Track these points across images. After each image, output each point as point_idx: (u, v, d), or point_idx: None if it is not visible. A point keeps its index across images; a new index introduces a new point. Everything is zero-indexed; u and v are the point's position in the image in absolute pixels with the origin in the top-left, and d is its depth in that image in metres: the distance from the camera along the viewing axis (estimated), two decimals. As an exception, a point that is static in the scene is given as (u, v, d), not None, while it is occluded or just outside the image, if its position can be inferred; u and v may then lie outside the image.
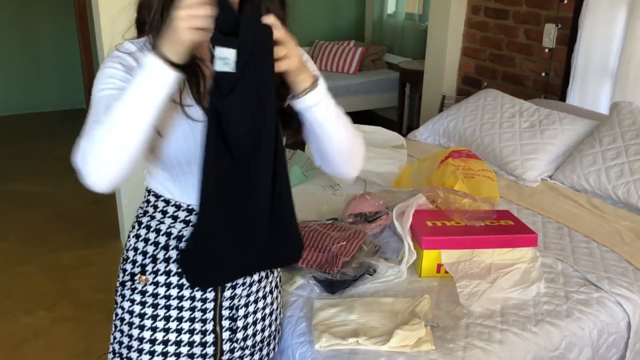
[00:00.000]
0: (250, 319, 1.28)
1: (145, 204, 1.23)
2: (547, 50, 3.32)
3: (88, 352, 2.47)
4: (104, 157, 0.98)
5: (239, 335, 1.26)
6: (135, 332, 1.22)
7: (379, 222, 1.91)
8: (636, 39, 2.77)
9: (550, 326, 1.52)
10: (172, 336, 1.22)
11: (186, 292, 1.20)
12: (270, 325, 1.33)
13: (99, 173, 0.99)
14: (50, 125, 5.55)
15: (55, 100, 5.94)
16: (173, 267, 1.19)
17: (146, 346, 1.22)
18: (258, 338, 1.30)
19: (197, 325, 1.22)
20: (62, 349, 2.49)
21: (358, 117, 5.28)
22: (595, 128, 2.54)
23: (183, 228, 1.19)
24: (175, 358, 1.22)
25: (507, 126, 2.70)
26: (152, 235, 1.20)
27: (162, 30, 0.99)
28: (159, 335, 1.21)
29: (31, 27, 5.63)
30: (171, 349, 1.22)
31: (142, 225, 1.22)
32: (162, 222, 1.19)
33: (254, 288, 1.27)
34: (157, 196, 1.20)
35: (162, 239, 1.19)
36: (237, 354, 1.27)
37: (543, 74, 3.37)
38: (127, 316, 1.23)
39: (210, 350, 1.24)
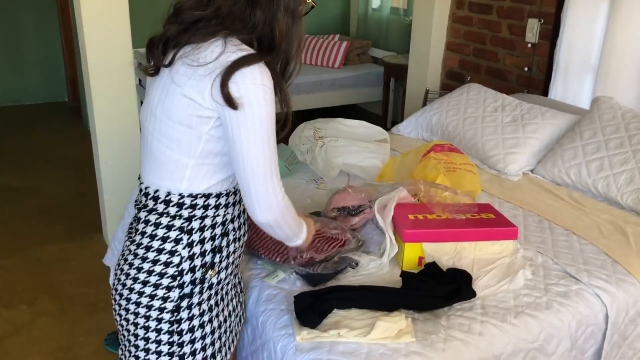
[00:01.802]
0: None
1: (190, 210, 1.24)
2: (530, 45, 3.35)
3: (70, 346, 2.45)
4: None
5: (242, 284, 1.51)
6: (208, 328, 1.31)
7: (362, 216, 1.92)
8: (617, 34, 2.80)
9: (529, 318, 1.54)
10: (226, 311, 1.37)
11: (234, 265, 1.36)
12: None
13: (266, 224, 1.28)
14: (32, 118, 5.48)
15: (37, 93, 5.87)
16: (231, 247, 1.32)
17: (217, 335, 1.33)
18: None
19: (233, 291, 1.41)
20: (44, 343, 2.47)
21: (342, 111, 5.28)
22: (576, 122, 2.56)
23: (235, 209, 1.32)
24: (230, 327, 1.39)
25: (489, 120, 2.72)
26: (208, 233, 1.26)
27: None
28: (221, 317, 1.34)
29: (12, 18, 5.55)
30: (228, 322, 1.38)
31: (194, 231, 1.25)
32: (217, 215, 1.27)
33: None
34: (208, 196, 1.25)
35: (219, 230, 1.29)
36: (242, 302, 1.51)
37: (526, 69, 3.39)
38: (197, 321, 1.29)
39: (239, 307, 1.45)
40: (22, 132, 5.11)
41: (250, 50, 1.17)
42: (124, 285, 1.28)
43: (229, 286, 1.38)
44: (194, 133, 1.18)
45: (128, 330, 1.30)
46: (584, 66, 3.05)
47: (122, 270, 1.29)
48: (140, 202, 1.30)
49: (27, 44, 5.69)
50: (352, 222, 1.89)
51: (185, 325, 1.27)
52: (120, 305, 1.30)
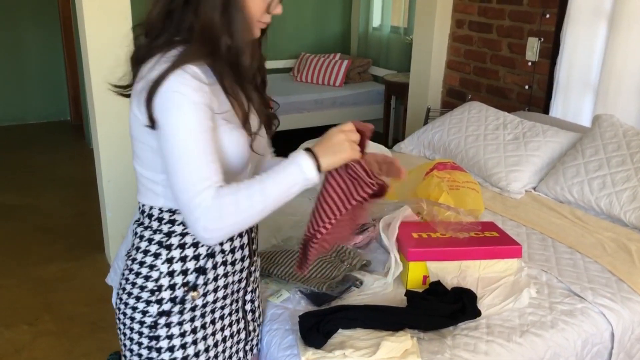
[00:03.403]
0: (259, 299, 1.45)
1: (169, 226, 1.22)
2: (530, 64, 3.37)
3: (71, 366, 2.44)
4: (237, 228, 1.12)
5: (257, 314, 1.43)
6: (191, 351, 1.26)
7: (366, 234, 1.92)
8: (616, 52, 2.82)
9: (535, 337, 1.53)
10: (219, 336, 1.31)
11: (229, 290, 1.29)
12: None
13: (222, 236, 1.12)
14: (34, 137, 5.50)
15: (39, 112, 5.89)
16: (220, 270, 1.26)
17: (203, 357, 1.28)
18: (261, 316, 1.48)
19: (234, 316, 1.35)
20: (45, 363, 2.46)
21: (344, 129, 5.25)
22: (578, 140, 2.57)
23: None
24: (224, 353, 1.33)
25: (491, 138, 2.73)
26: (189, 251, 1.22)
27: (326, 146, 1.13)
28: (210, 341, 1.29)
29: (14, 37, 5.59)
30: (220, 347, 1.32)
31: (174, 247, 1.22)
32: None
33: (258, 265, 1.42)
34: None
35: (203, 250, 1.23)
36: (256, 333, 1.44)
37: (526, 87, 3.41)
38: (177, 341, 1.25)
39: (242, 335, 1.38)
40: (24, 151, 5.12)
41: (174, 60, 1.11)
42: (120, 299, 1.28)
43: (227, 311, 1.32)
44: (148, 148, 1.17)
45: (124, 345, 1.30)
46: (584, 84, 3.07)
47: (120, 284, 1.30)
48: (137, 217, 1.31)
49: (29, 62, 5.72)
50: (355, 241, 1.88)
51: (164, 344, 1.24)
52: (118, 319, 1.30)
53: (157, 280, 1.22)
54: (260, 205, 1.10)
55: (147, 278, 1.22)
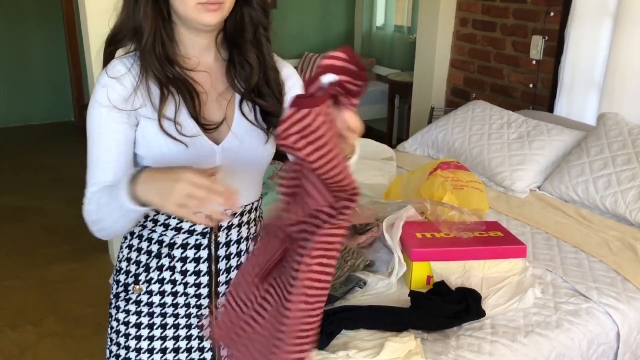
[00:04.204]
0: None
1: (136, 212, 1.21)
2: (534, 62, 3.36)
3: (75, 367, 2.44)
4: (104, 234, 1.14)
5: None
6: (132, 343, 1.24)
7: (369, 234, 1.91)
8: (621, 51, 2.81)
9: (539, 337, 1.52)
10: (169, 344, 1.24)
11: (180, 300, 1.22)
12: None
13: (101, 235, 1.15)
14: (38, 138, 5.51)
15: (43, 113, 5.90)
16: (166, 274, 1.21)
17: (144, 356, 1.24)
18: None
19: (194, 331, 1.25)
20: (49, 364, 2.46)
21: (348, 129, 5.24)
22: (583, 139, 2.56)
23: (175, 235, 1.19)
24: None
25: (495, 137, 2.72)
26: (144, 245, 1.21)
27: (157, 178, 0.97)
28: (157, 344, 1.24)
29: (19, 39, 5.61)
30: (170, 356, 1.25)
31: (135, 235, 1.22)
32: (154, 231, 1.19)
33: None
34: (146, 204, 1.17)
35: (154, 247, 1.20)
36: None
37: (531, 86, 3.40)
38: (122, 328, 1.24)
39: (208, 355, 1.27)
40: (28, 152, 5.13)
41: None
42: None
43: (182, 322, 1.23)
44: None
45: None
46: (589, 83, 3.05)
47: None
48: None
49: (34, 64, 5.74)
50: (359, 241, 1.88)
51: (113, 324, 1.26)
52: None
53: (120, 261, 1.24)
54: (97, 220, 1.11)
55: (117, 257, 1.26)
